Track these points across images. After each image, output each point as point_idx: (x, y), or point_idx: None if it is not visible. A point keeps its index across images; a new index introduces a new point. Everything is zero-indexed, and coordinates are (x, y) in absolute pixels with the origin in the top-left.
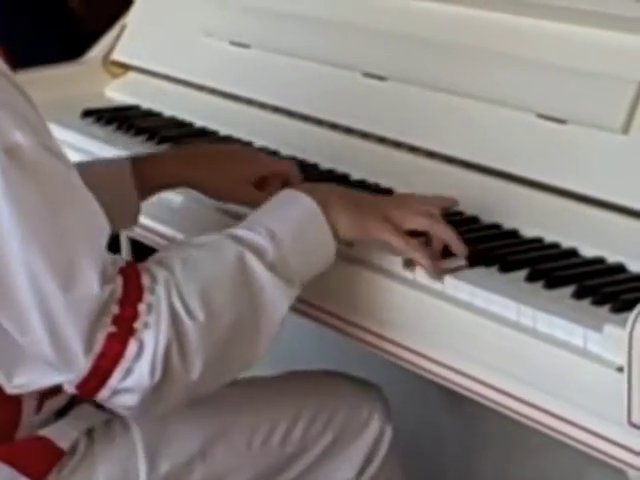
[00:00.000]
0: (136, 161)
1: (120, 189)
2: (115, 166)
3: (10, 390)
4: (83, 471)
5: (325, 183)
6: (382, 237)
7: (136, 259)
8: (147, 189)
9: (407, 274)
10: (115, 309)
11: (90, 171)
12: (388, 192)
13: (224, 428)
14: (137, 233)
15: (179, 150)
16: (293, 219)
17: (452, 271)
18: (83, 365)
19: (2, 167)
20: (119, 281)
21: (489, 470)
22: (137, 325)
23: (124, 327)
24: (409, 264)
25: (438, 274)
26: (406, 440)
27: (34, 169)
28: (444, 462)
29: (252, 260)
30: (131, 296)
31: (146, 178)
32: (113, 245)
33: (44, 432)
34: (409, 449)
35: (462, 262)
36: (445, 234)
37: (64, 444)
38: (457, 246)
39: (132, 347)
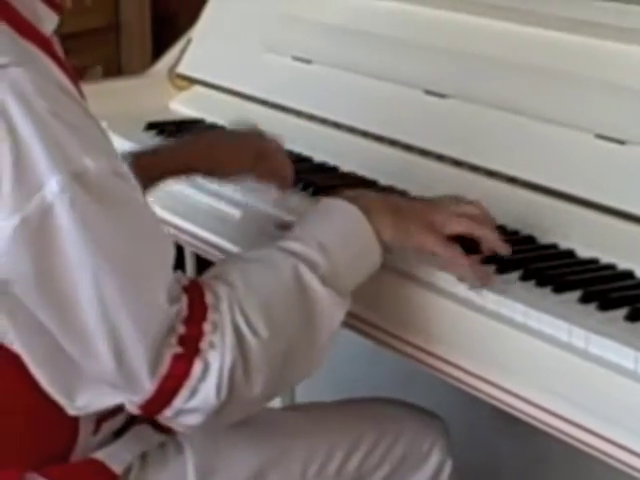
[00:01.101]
0: (138, 154)
1: None
2: None
3: (72, 412)
4: None
5: (363, 189)
6: (424, 243)
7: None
8: (148, 180)
9: (469, 294)
10: (181, 329)
11: None
12: None
13: (279, 455)
14: (201, 249)
15: (175, 142)
16: (340, 228)
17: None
18: (148, 387)
19: (72, 194)
20: (184, 300)
21: None
22: (202, 345)
23: (190, 347)
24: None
25: (482, 281)
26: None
27: (104, 195)
28: None
29: (307, 274)
30: (196, 315)
31: (146, 170)
32: (177, 260)
33: (98, 455)
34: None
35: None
36: (489, 235)
37: (117, 468)
38: (500, 247)
39: (197, 367)
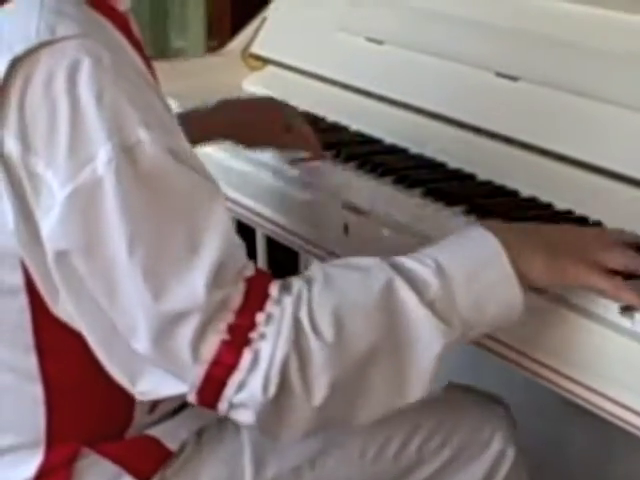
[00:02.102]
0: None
1: None
2: None
3: (137, 397)
4: (188, 471)
5: (517, 223)
6: (588, 283)
7: (271, 259)
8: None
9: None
10: (230, 317)
11: None
12: (512, 194)
13: (338, 437)
14: (274, 232)
15: (205, 107)
16: (470, 259)
17: None
18: (194, 372)
19: (118, 166)
20: (240, 287)
21: None
22: (253, 335)
23: (238, 336)
24: (626, 309)
25: None
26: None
27: (152, 171)
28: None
29: (404, 289)
30: (251, 305)
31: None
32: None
33: (154, 432)
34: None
35: None
36: None
37: (173, 445)
38: None
39: (246, 358)
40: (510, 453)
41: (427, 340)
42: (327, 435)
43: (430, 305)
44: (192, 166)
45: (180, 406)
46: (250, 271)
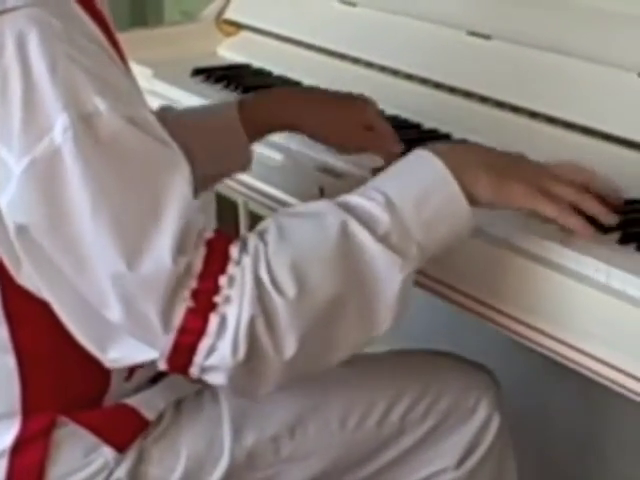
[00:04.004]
0: (243, 105)
1: (231, 138)
2: (224, 114)
3: (107, 364)
4: (167, 441)
5: (462, 144)
6: (530, 205)
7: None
8: (255, 132)
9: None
10: (193, 282)
11: (197, 117)
12: None
13: (318, 404)
14: (250, 197)
15: (282, 90)
16: (417, 185)
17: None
18: (164, 340)
19: (75, 133)
20: (201, 252)
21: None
22: (217, 299)
23: (203, 301)
24: (566, 240)
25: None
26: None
27: (111, 139)
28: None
29: (358, 230)
30: (213, 268)
31: (252, 121)
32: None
33: (131, 401)
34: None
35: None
36: (595, 207)
37: (150, 414)
38: (607, 219)
39: (213, 322)
40: (496, 419)
41: (387, 275)
42: (307, 402)
43: (384, 240)
44: (151, 133)
45: (158, 376)
46: (209, 233)
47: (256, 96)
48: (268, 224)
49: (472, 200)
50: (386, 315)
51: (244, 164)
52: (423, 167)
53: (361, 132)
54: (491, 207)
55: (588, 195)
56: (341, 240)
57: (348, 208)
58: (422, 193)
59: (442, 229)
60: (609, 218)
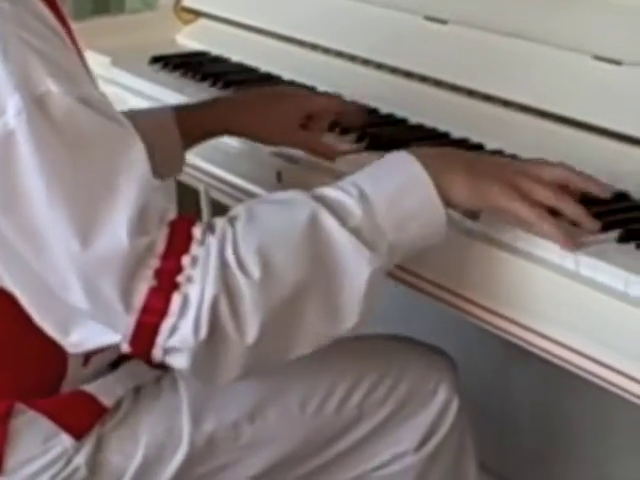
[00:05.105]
0: (179, 110)
1: (165, 138)
2: (159, 115)
3: (69, 349)
4: (126, 428)
5: (439, 147)
6: (506, 206)
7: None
8: (191, 138)
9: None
10: (156, 262)
11: (134, 119)
12: (443, 136)
13: (277, 390)
14: (209, 184)
15: (219, 98)
16: (393, 183)
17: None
18: (126, 321)
19: (29, 117)
20: (164, 232)
21: None
22: (180, 279)
23: (165, 281)
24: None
25: (572, 248)
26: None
27: (64, 120)
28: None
29: (328, 219)
30: (176, 248)
31: (189, 127)
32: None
33: (89, 387)
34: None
35: (595, 233)
36: (575, 210)
37: (107, 401)
38: (589, 224)
39: (175, 302)
40: (455, 403)
41: (355, 267)
42: (266, 388)
43: (355, 232)
44: (105, 113)
45: (116, 362)
46: (172, 215)
47: (194, 102)
48: (239, 210)
49: (448, 203)
50: (352, 309)
51: (176, 169)
52: (400, 167)
53: (293, 131)
54: (468, 207)
55: (569, 198)
56: (311, 228)
57: (321, 199)
58: (397, 191)
59: (414, 229)
60: (590, 224)
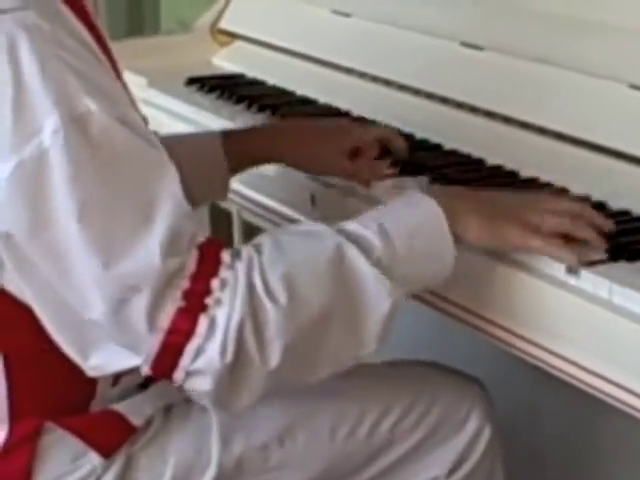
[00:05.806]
0: (226, 135)
1: (211, 161)
2: (206, 138)
3: (88, 372)
4: (155, 447)
5: (457, 187)
6: (521, 245)
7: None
8: (237, 164)
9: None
10: (185, 283)
11: (181, 143)
12: (478, 162)
13: (307, 416)
14: (243, 206)
15: (268, 126)
16: (411, 220)
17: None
18: (149, 342)
19: (65, 134)
20: (194, 254)
21: None
22: (208, 301)
23: (194, 302)
24: (571, 270)
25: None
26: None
27: (101, 139)
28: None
29: (352, 252)
30: (205, 271)
31: (236, 153)
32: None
33: (118, 407)
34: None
35: (602, 253)
36: (586, 234)
37: (137, 420)
38: (599, 244)
39: (202, 324)
40: (487, 432)
41: (376, 297)
42: (296, 411)
43: (376, 264)
44: (140, 134)
45: (146, 382)
46: (201, 238)
47: (241, 128)
48: (263, 239)
49: (460, 242)
50: (372, 336)
51: (220, 194)
52: (418, 206)
53: (342, 162)
54: (483, 248)
55: (578, 222)
56: (335, 259)
57: (343, 231)
58: (414, 229)
59: (430, 267)
60: (600, 243)
